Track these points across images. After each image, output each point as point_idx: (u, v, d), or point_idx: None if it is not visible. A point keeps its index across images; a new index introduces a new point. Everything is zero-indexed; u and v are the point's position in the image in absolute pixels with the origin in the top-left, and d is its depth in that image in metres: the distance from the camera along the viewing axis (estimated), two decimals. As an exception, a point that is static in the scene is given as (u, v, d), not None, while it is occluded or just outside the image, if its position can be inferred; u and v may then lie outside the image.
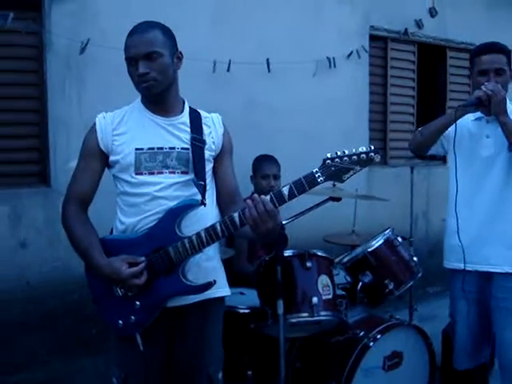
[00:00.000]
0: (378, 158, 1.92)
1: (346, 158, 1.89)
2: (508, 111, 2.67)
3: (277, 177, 3.58)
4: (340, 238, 3.75)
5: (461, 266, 2.74)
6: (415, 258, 3.18)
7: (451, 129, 2.75)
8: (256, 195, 1.89)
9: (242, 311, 2.93)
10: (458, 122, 2.69)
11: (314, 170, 1.88)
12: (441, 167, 5.32)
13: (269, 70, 4.20)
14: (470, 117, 2.79)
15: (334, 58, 4.54)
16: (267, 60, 4.19)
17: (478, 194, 2.76)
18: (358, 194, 3.13)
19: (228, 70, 4.03)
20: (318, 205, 2.62)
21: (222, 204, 2.19)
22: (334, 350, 2.94)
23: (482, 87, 2.58)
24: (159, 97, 2.06)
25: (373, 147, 1.94)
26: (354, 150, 1.91)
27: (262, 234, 1.90)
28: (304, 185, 1.87)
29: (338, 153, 1.90)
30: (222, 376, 2.24)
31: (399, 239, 3.15)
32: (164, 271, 2.00)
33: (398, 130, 5.20)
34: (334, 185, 2.70)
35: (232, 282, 3.25)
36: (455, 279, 2.84)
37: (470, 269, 2.75)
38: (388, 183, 4.57)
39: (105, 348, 2.31)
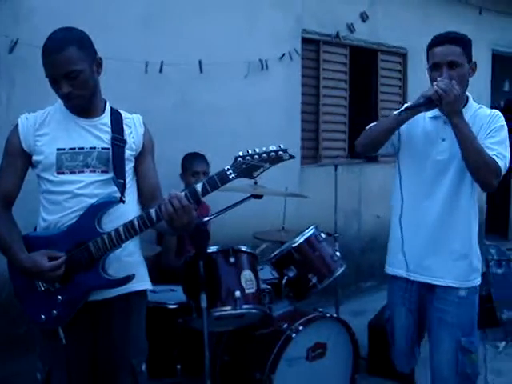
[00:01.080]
0: (286, 156, 2.03)
1: (256, 156, 1.99)
2: (468, 110, 2.53)
3: (206, 174, 3.65)
4: (270, 234, 3.86)
5: (403, 274, 2.67)
6: (338, 253, 3.32)
7: (404, 126, 2.58)
8: (172, 191, 1.97)
9: (170, 307, 3.01)
10: (411, 120, 2.52)
11: (226, 168, 1.98)
12: (372, 165, 5.51)
13: (201, 71, 4.27)
14: (427, 114, 2.58)
15: (266, 60, 4.64)
16: (199, 61, 4.25)
17: (428, 200, 2.59)
18: (279, 192, 3.25)
19: (160, 71, 4.07)
20: (240, 202, 2.71)
21: (144, 201, 2.27)
22: (259, 343, 3.04)
23: (434, 85, 2.37)
24: (84, 107, 2.14)
25: (282, 146, 2.04)
26: (264, 149, 2.02)
27: (177, 228, 2.01)
28: (216, 181, 1.97)
29: (250, 151, 2.00)
30: (145, 367, 2.29)
31: (323, 235, 3.28)
32: (85, 266, 2.07)
33: (330, 130, 5.34)
34: (255, 183, 2.79)
35: (163, 279, 3.35)
36: (396, 286, 2.75)
37: (412, 278, 2.66)
38: (320, 181, 4.70)
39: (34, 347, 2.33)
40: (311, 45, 5.21)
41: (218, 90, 4.40)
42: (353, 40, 5.48)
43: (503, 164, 2.42)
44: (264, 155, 2.00)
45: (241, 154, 1.99)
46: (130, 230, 2.03)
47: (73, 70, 2.02)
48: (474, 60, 2.52)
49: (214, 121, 4.38)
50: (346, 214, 5.26)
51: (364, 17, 5.53)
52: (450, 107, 2.34)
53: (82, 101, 2.09)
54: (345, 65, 5.48)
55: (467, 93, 2.58)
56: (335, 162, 4.03)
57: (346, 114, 5.48)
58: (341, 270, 3.29)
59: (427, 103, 2.37)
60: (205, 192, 1.98)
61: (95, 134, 2.16)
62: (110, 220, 2.10)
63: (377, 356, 3.86)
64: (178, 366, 2.97)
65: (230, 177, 1.97)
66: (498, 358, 4.25)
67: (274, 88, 4.76)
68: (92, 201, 2.09)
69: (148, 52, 4.03)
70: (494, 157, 2.40)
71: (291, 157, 2.04)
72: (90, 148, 2.14)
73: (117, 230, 2.03)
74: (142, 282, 2.26)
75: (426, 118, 2.59)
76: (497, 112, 2.55)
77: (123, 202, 2.12)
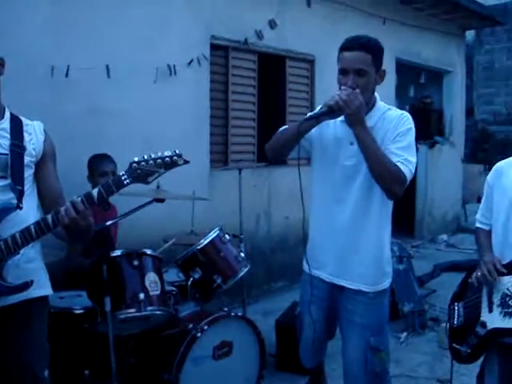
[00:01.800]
0: (181, 161, 2.10)
1: (151, 162, 2.05)
2: (376, 112, 2.52)
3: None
4: (179, 238, 3.91)
5: (315, 274, 2.70)
6: (242, 254, 3.42)
7: (315, 131, 2.57)
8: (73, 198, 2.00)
9: (76, 312, 3.02)
10: (323, 124, 2.52)
11: (121, 173, 2.03)
12: (281, 168, 5.66)
13: (108, 76, 4.26)
14: (335, 120, 2.55)
15: (174, 66, 4.68)
16: (107, 66, 4.24)
17: (339, 205, 2.59)
18: (182, 195, 3.32)
19: (67, 76, 4.03)
20: (141, 206, 2.76)
21: (46, 207, 2.27)
22: (165, 344, 3.09)
23: (336, 94, 2.35)
24: None
25: (177, 151, 2.11)
26: (159, 154, 2.07)
27: (74, 234, 2.03)
28: (112, 187, 2.02)
29: (145, 156, 2.06)
30: (48, 373, 2.29)
31: (227, 237, 3.37)
32: (-18, 274, 2.04)
33: (239, 134, 5.46)
34: (158, 187, 2.86)
35: (71, 283, 3.34)
36: (308, 284, 2.73)
37: (324, 279, 2.70)
38: (229, 184, 4.81)
39: None
40: (220, 51, 5.31)
41: (126, 95, 4.40)
42: (261, 46, 5.62)
43: (408, 170, 2.40)
44: (159, 160, 2.05)
45: (136, 159, 2.05)
46: (26, 236, 2.03)
47: None
48: (383, 68, 2.52)
49: (123, 126, 4.38)
50: (257, 215, 5.40)
51: (272, 24, 5.68)
52: (351, 118, 2.34)
53: None
54: (253, 71, 5.61)
55: (376, 94, 2.57)
56: (239, 165, 4.13)
57: (254, 118, 5.62)
58: (245, 270, 3.39)
59: (329, 112, 2.37)
60: (100, 197, 2.02)
61: None
62: (9, 227, 2.09)
63: (285, 353, 4.00)
64: (86, 372, 2.96)
65: (125, 182, 2.02)
66: (398, 348, 4.49)
67: (182, 93, 4.81)
68: None
69: (54, 55, 3.97)
70: (399, 163, 2.37)
71: (186, 162, 2.11)
72: None
73: (13, 237, 2.03)
74: (43, 288, 2.26)
75: (336, 121, 2.56)
76: (405, 114, 2.54)
77: (20, 208, 2.12)
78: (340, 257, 2.63)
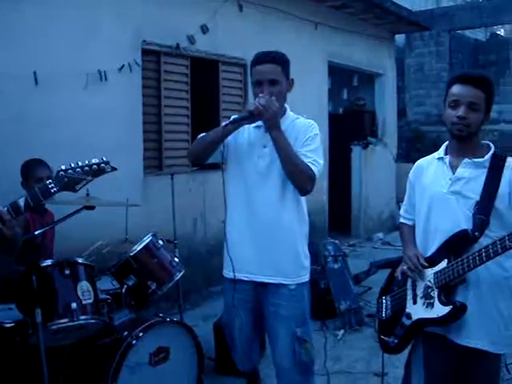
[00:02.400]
0: (108, 169, 2.10)
1: (78, 169, 2.03)
2: (286, 120, 2.75)
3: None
4: (114, 246, 3.86)
5: (237, 276, 2.78)
6: (176, 259, 3.43)
7: (231, 137, 2.74)
8: None
9: (7, 325, 2.91)
10: (236, 131, 2.70)
11: (48, 182, 2.00)
12: (216, 173, 5.64)
13: (36, 83, 4.18)
14: (249, 126, 2.76)
15: (105, 71, 4.64)
16: (34, 72, 4.16)
17: (254, 204, 2.73)
18: (113, 202, 3.29)
19: (-8, 83, 3.94)
20: (71, 214, 2.73)
21: None
22: (102, 353, 3.05)
23: (255, 101, 2.58)
24: None
25: (104, 158, 2.10)
26: (86, 162, 2.06)
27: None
28: (38, 195, 1.98)
29: (72, 164, 2.04)
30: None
31: (160, 242, 3.37)
32: None
33: (173, 139, 5.44)
34: (87, 194, 2.82)
35: (4, 295, 3.24)
36: (230, 288, 2.85)
37: (246, 279, 2.80)
38: (164, 190, 4.78)
39: None
40: (152, 56, 5.28)
41: (55, 102, 4.33)
42: (193, 51, 5.63)
43: (317, 170, 2.67)
44: (86, 168, 2.04)
45: (63, 167, 2.02)
46: None
47: None
48: (291, 77, 2.77)
49: (52, 133, 4.30)
50: (193, 220, 5.39)
51: (204, 29, 5.71)
52: (269, 121, 2.59)
53: None
54: (186, 75, 5.61)
55: (286, 105, 2.83)
56: (172, 170, 4.14)
57: (188, 123, 5.61)
58: (179, 275, 3.40)
59: (250, 117, 2.58)
60: (27, 206, 1.98)
61: None
62: None
63: (224, 356, 4.00)
64: (18, 386, 2.91)
65: (52, 190, 1.99)
66: (337, 346, 4.59)
67: (114, 99, 4.77)
68: None
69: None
70: (309, 164, 2.63)
71: (113, 169, 2.11)
72: None
73: None
74: None
75: (250, 127, 2.78)
76: (312, 122, 2.81)
77: None
78: (259, 254, 2.76)
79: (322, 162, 2.72)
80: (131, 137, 4.94)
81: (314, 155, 2.68)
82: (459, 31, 16.73)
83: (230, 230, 2.82)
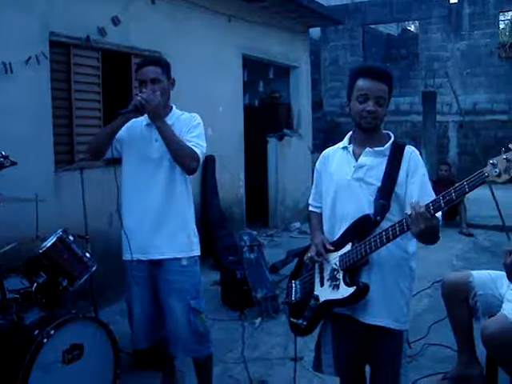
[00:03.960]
0: (8, 163, 2.06)
1: None
2: (173, 116, 3.12)
3: None
4: (24, 244, 3.74)
5: (131, 257, 3.09)
6: (88, 254, 3.38)
7: (123, 132, 3.09)
8: None
9: None
10: (129, 125, 3.06)
11: None
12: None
13: None
14: (143, 121, 3.10)
15: (10, 64, 4.47)
16: None
17: (149, 192, 3.07)
18: (16, 198, 3.21)
19: None
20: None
21: None
22: (11, 354, 2.96)
23: (138, 95, 2.92)
24: None
25: (3, 153, 2.06)
26: (-17, 156, 2.00)
27: None
28: None
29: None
30: None
31: (71, 238, 3.31)
32: None
33: (84, 133, 5.30)
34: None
35: None
36: (128, 268, 3.18)
37: (143, 258, 3.12)
38: (76, 185, 4.69)
39: None
40: (61, 48, 5.12)
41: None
42: (104, 44, 5.51)
43: (199, 150, 3.03)
44: None
45: None
46: None
47: None
48: (172, 77, 3.16)
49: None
50: (109, 215, 5.29)
51: (116, 21, 5.60)
52: (152, 113, 2.92)
53: None
54: (97, 68, 5.49)
55: (172, 104, 3.20)
56: (81, 164, 4.06)
57: (100, 116, 5.49)
58: (91, 270, 3.35)
59: (134, 110, 2.91)
60: None
61: None
62: None
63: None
64: None
65: None
66: (254, 334, 4.68)
67: (20, 93, 4.60)
68: None
69: None
70: (192, 146, 3.00)
71: (13, 163, 2.07)
72: None
73: None
74: None
75: (142, 125, 3.12)
76: (194, 114, 3.19)
77: None
78: (153, 233, 3.08)
79: (204, 144, 3.09)
80: (40, 131, 4.77)
81: (196, 139, 3.05)
82: (372, 26, 17.28)
83: (125, 217, 3.15)
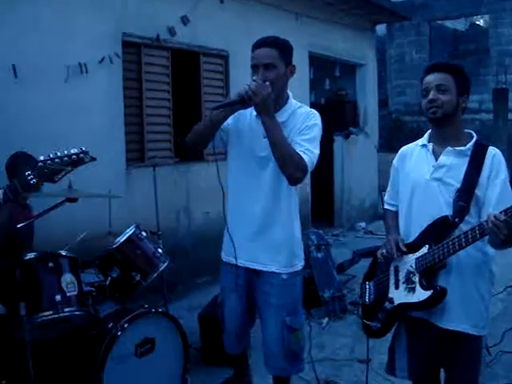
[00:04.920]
0: (88, 159, 2.10)
1: (57, 160, 2.03)
2: (287, 108, 2.70)
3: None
4: (97, 239, 3.85)
5: (232, 260, 2.83)
6: (160, 250, 3.43)
7: (230, 121, 2.74)
8: None
9: (-11, 320, 2.93)
10: (239, 117, 2.71)
11: (27, 173, 2.00)
12: (199, 164, 5.69)
13: (16, 76, 4.14)
14: (252, 111, 2.67)
15: (85, 64, 4.61)
16: (13, 65, 4.12)
17: (253, 192, 2.74)
18: (95, 193, 3.28)
19: (-29, 76, 3.90)
20: (54, 206, 2.71)
21: None
22: (87, 345, 3.04)
23: (246, 84, 2.50)
24: None
25: (83, 148, 2.10)
26: (65, 152, 2.06)
27: None
28: (17, 187, 1.99)
29: (51, 155, 2.04)
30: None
31: (143, 233, 3.37)
32: None
33: (155, 131, 5.43)
34: (69, 186, 2.81)
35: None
36: (226, 271, 2.94)
37: (240, 265, 2.83)
38: (147, 181, 4.78)
39: None
40: (132, 48, 5.25)
41: (36, 95, 4.30)
42: (174, 43, 5.61)
43: (309, 159, 2.58)
44: (65, 158, 2.05)
45: (42, 158, 2.03)
46: None
47: None
48: (293, 64, 2.69)
49: (33, 126, 4.27)
50: (177, 212, 5.39)
51: (185, 20, 5.68)
52: (259, 107, 2.51)
53: None
54: (167, 67, 5.59)
55: (289, 92, 2.77)
56: (153, 162, 4.12)
57: (170, 115, 5.60)
58: (164, 265, 3.40)
59: (239, 102, 2.51)
60: (6, 199, 1.99)
61: None
62: None
63: (209, 346, 4.03)
64: (3, 382, 2.89)
65: (32, 182, 2.00)
66: (321, 334, 4.64)
67: (95, 92, 4.75)
68: None
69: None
70: (301, 152, 2.56)
71: (93, 159, 2.11)
72: None
73: None
74: None
75: (252, 115, 2.72)
76: (313, 111, 2.73)
77: None
78: (253, 242, 2.78)
79: (316, 151, 2.64)
80: (113, 130, 4.91)
81: (308, 144, 2.61)
82: (439, 21, 16.83)
83: (230, 216, 2.85)
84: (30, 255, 2.81)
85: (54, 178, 2.05)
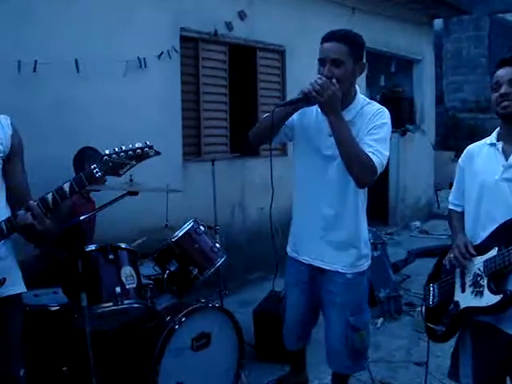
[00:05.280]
0: (152, 153, 2.09)
1: (122, 154, 2.04)
2: (354, 105, 2.61)
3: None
4: (154, 233, 3.89)
5: (296, 257, 2.86)
6: (218, 245, 3.42)
7: (296, 117, 2.68)
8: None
9: (52, 309, 2.97)
10: (305, 112, 2.64)
11: (93, 166, 2.01)
12: (254, 159, 5.68)
13: (78, 70, 4.21)
14: (318, 108, 2.55)
15: (144, 59, 4.65)
16: (76, 60, 4.19)
17: (318, 190, 2.69)
18: (156, 188, 3.30)
19: (34, 71, 3.97)
20: (115, 200, 2.74)
21: (13, 205, 2.21)
22: (145, 337, 3.08)
23: (312, 81, 2.42)
24: None
25: (148, 142, 2.10)
26: (130, 146, 2.06)
27: (31, 238, 2.05)
28: (83, 180, 2.00)
29: (116, 149, 2.04)
30: (24, 372, 2.25)
31: (202, 228, 3.37)
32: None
33: (211, 126, 5.44)
34: (131, 180, 2.84)
35: (46, 278, 3.30)
36: (290, 267, 2.94)
37: (305, 262, 2.82)
38: (203, 176, 4.79)
39: None
40: (190, 43, 5.27)
41: (96, 89, 4.36)
42: (231, 38, 5.61)
43: (379, 160, 2.49)
44: (130, 152, 2.05)
45: (107, 152, 2.03)
46: None
47: None
48: (364, 61, 2.60)
49: (92, 120, 4.34)
50: (231, 207, 5.40)
51: (242, 15, 5.67)
52: (324, 106, 2.42)
53: None
54: (224, 62, 5.59)
55: (356, 87, 2.66)
56: (212, 157, 4.13)
57: (226, 110, 5.60)
58: (221, 260, 3.39)
59: (304, 99, 2.44)
60: (72, 191, 2.00)
61: None
62: None
63: (264, 342, 4.01)
64: (65, 369, 2.95)
65: (97, 175, 2.01)
66: (376, 334, 4.54)
67: (153, 86, 4.79)
68: None
69: (20, 51, 3.91)
70: (370, 154, 2.46)
71: (157, 153, 2.10)
72: None
73: None
74: (16, 285, 2.20)
75: (317, 111, 2.62)
76: (382, 109, 2.62)
77: None
78: (319, 240, 2.75)
79: (386, 153, 2.53)
80: (170, 124, 4.95)
81: (377, 145, 2.50)
82: (500, 15, 16.29)
83: (295, 213, 2.86)
84: (91, 247, 2.85)
85: (120, 172, 2.05)
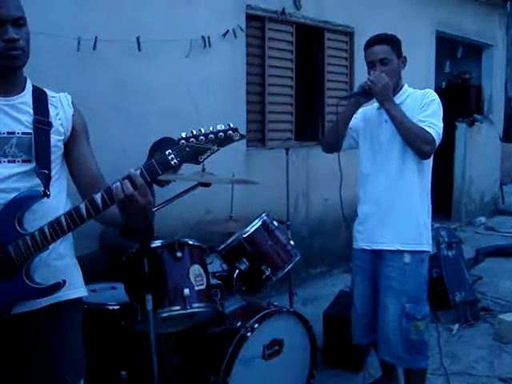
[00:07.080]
0: (237, 137, 1.76)
1: (202, 138, 1.69)
2: (403, 93, 2.93)
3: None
4: (217, 225, 3.60)
5: (360, 245, 3.03)
6: (292, 242, 3.12)
7: (356, 120, 3.04)
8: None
9: (111, 308, 2.75)
10: (364, 115, 3.02)
11: (167, 152, 1.68)
12: (318, 148, 5.32)
13: (139, 49, 3.94)
14: (374, 107, 3.00)
15: (209, 37, 4.35)
16: (137, 38, 3.92)
17: (378, 176, 2.94)
18: (229, 179, 2.99)
19: (94, 48, 3.72)
20: (186, 191, 2.44)
21: (84, 191, 1.94)
22: (212, 343, 2.80)
23: (367, 77, 2.83)
24: (17, 71, 1.82)
25: (231, 125, 1.77)
26: (211, 128, 1.73)
27: (130, 215, 1.68)
28: (156, 168, 1.68)
29: (194, 132, 1.70)
30: (83, 382, 2.01)
31: (275, 223, 3.07)
32: (5, 274, 1.73)
33: (276, 111, 5.11)
34: (203, 170, 2.53)
35: (103, 275, 3.08)
36: (355, 257, 3.10)
37: (367, 248, 2.99)
38: (267, 165, 4.48)
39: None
40: (256, 22, 4.94)
41: (157, 69, 4.09)
42: (299, 17, 5.24)
43: (434, 131, 2.76)
44: (211, 136, 1.70)
45: (184, 135, 1.69)
46: (56, 228, 1.70)
47: (23, 17, 1.77)
48: (403, 55, 2.95)
49: (153, 102, 4.07)
50: (295, 198, 5.06)
51: (310, -8, 5.30)
52: (379, 95, 2.80)
53: (22, 58, 1.78)
54: (291, 43, 5.24)
55: (403, 82, 3.01)
56: (284, 144, 3.79)
57: (292, 94, 5.25)
58: (296, 259, 3.10)
59: (362, 93, 2.84)
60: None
61: (14, 116, 1.80)
62: (35, 218, 1.78)
63: (334, 347, 3.71)
64: (123, 372, 2.71)
65: (172, 162, 1.67)
66: (452, 342, 4.18)
67: (217, 67, 4.48)
68: (11, 197, 1.75)
69: (80, 27, 3.66)
70: (426, 127, 2.76)
71: (242, 137, 1.77)
72: (8, 133, 1.78)
73: (41, 230, 1.70)
74: (76, 288, 1.96)
75: (374, 110, 3.03)
76: (428, 89, 2.94)
77: (47, 196, 1.79)
78: (379, 221, 2.93)
79: (440, 124, 2.80)
80: (234, 107, 4.63)
81: (431, 118, 2.79)
82: None
83: (359, 204, 3.07)
84: (157, 243, 2.58)
85: (199, 159, 1.71)
